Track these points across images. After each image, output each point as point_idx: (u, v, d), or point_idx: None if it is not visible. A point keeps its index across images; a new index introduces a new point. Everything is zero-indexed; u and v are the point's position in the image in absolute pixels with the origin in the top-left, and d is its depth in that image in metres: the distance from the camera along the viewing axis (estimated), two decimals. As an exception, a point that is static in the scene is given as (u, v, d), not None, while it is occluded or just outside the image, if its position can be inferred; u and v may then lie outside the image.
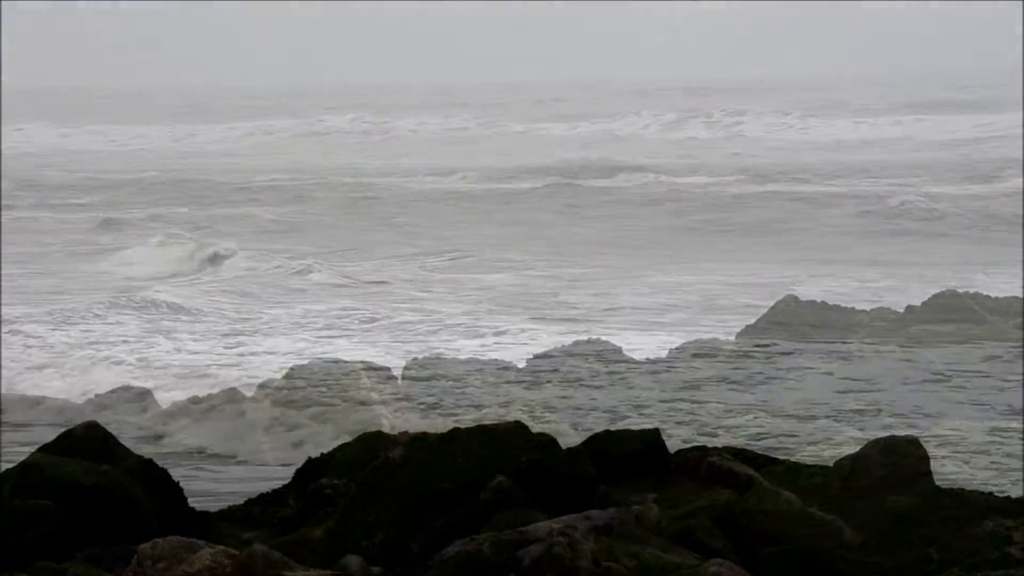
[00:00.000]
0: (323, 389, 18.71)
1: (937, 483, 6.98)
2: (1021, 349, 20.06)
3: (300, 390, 18.64)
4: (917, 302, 27.65)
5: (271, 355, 23.11)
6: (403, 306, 30.03)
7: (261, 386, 19.03)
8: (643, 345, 22.22)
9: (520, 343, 23.22)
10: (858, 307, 26.52)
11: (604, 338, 22.56)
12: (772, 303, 27.63)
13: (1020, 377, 17.95)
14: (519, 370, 19.83)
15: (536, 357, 20.87)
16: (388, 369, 20.06)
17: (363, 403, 17.94)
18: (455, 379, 19.22)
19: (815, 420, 15.98)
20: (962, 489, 7.13)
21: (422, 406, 17.67)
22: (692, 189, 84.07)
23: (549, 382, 18.88)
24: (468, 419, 15.77)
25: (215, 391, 19.01)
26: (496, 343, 23.48)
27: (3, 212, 60.25)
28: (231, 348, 24.18)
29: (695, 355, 20.76)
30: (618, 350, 21.08)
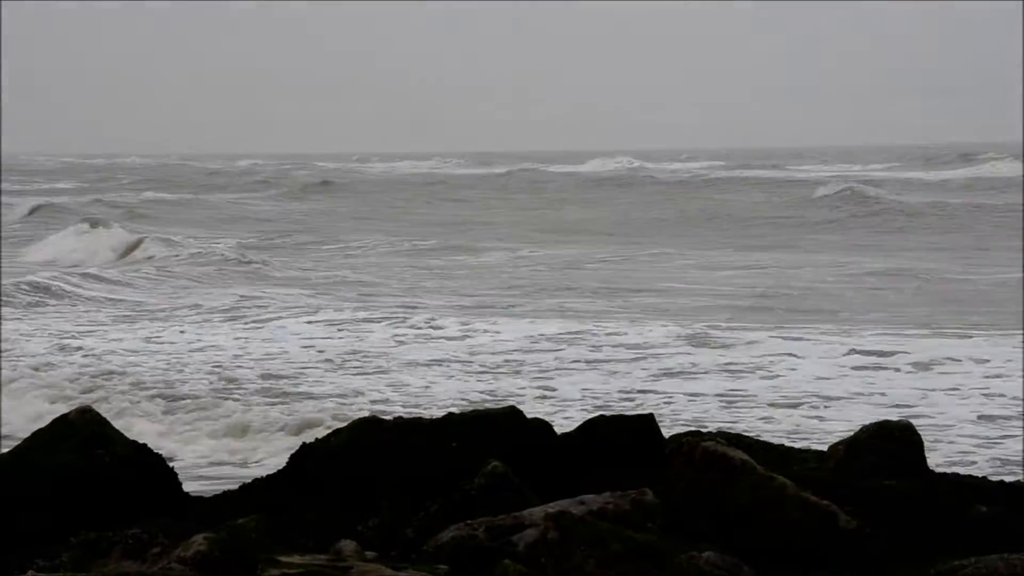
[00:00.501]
0: (294, 383, 18.31)
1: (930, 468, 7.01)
2: (1021, 336, 20.20)
3: (270, 385, 18.17)
4: (893, 289, 27.98)
5: (232, 345, 22.24)
6: (382, 294, 29.59)
7: (229, 380, 18.53)
8: (628, 332, 22.08)
9: (499, 330, 22.92)
10: (838, 294, 26.78)
11: (590, 325, 22.55)
12: (755, 290, 27.82)
13: (1001, 367, 18.02)
14: (500, 358, 19.71)
15: (528, 341, 20.80)
16: (358, 359, 19.75)
17: (315, 397, 17.37)
18: (434, 368, 19.05)
19: (804, 409, 15.98)
20: (956, 474, 7.17)
21: (395, 396, 17.35)
22: (665, 176, 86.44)
23: (537, 369, 18.83)
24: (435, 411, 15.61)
25: (179, 387, 18.31)
26: (473, 330, 23.14)
27: None
28: (192, 342, 23.13)
29: (682, 339, 20.75)
30: (606, 337, 21.06)
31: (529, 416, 7.40)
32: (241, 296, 28.78)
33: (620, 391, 17.28)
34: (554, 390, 17.47)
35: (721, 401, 16.50)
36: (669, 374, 18.35)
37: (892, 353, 19.33)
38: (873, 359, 18.94)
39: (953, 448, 13.79)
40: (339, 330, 23.10)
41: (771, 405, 16.28)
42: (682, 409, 15.99)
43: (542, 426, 7.31)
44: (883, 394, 16.86)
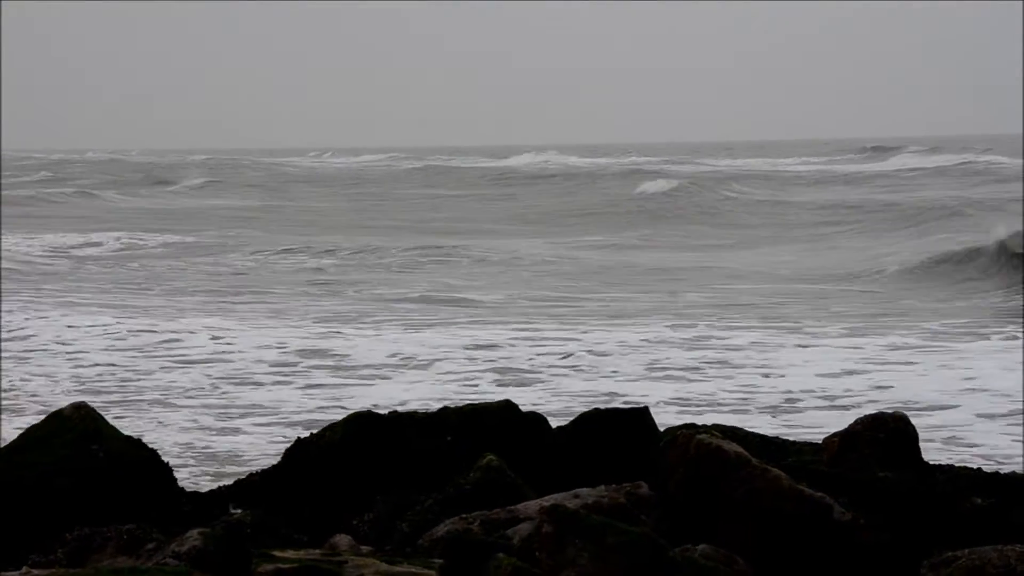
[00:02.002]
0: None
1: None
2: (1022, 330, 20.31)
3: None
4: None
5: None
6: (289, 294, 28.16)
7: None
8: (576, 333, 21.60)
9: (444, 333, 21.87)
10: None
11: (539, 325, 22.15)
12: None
13: (965, 362, 18.02)
14: (455, 363, 18.99)
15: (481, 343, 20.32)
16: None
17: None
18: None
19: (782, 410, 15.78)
20: (951, 465, 7.17)
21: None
22: (556, 170, 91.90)
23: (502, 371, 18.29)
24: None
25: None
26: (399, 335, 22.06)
27: None
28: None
29: (650, 341, 20.43)
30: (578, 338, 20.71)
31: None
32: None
33: (594, 393, 16.86)
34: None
35: (707, 399, 16.38)
36: (638, 373, 18.16)
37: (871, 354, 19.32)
38: (853, 361, 18.87)
39: (944, 443, 13.74)
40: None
41: (746, 406, 16.23)
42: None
43: (537, 420, 7.33)
44: (870, 393, 16.82)
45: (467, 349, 19.75)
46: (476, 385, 17.35)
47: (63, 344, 20.38)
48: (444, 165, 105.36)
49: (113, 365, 18.79)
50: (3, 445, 7.29)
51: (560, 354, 19.13)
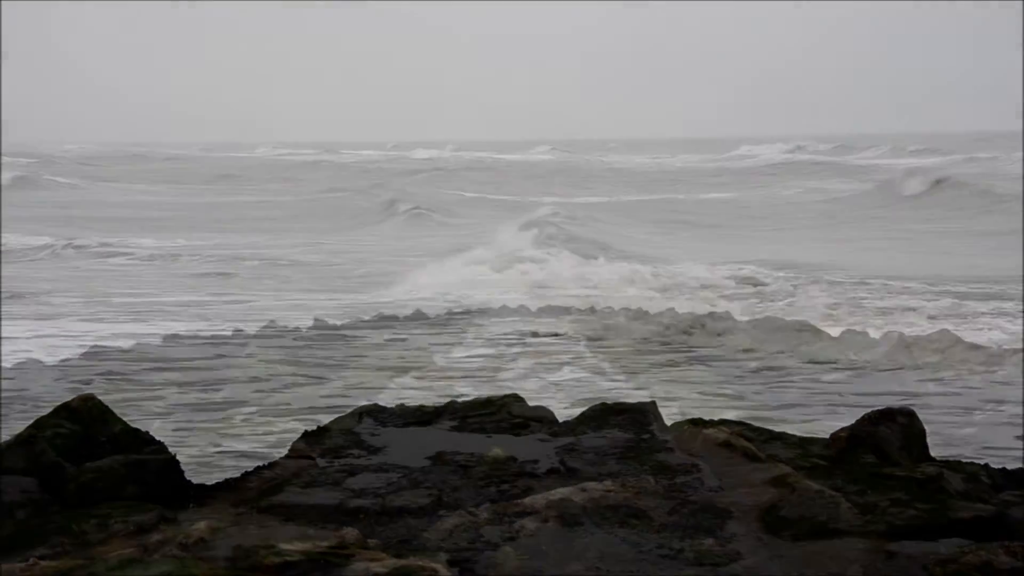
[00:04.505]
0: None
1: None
2: None
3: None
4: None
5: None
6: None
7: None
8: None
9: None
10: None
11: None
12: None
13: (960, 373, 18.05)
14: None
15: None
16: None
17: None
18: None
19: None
20: (959, 460, 7.18)
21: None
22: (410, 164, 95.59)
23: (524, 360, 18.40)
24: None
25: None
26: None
27: None
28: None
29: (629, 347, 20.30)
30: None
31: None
32: None
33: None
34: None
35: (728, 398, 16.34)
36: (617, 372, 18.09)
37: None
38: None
39: (945, 444, 13.73)
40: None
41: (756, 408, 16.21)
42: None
43: (545, 413, 7.34)
44: (866, 399, 16.76)
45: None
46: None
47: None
48: (318, 160, 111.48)
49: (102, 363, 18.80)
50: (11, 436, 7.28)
51: None
